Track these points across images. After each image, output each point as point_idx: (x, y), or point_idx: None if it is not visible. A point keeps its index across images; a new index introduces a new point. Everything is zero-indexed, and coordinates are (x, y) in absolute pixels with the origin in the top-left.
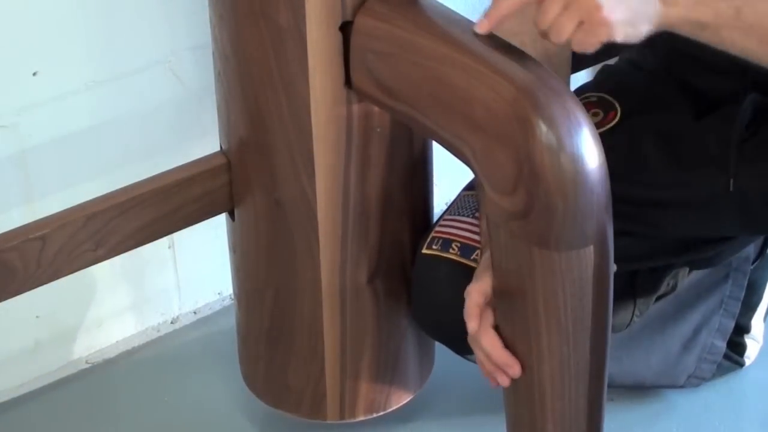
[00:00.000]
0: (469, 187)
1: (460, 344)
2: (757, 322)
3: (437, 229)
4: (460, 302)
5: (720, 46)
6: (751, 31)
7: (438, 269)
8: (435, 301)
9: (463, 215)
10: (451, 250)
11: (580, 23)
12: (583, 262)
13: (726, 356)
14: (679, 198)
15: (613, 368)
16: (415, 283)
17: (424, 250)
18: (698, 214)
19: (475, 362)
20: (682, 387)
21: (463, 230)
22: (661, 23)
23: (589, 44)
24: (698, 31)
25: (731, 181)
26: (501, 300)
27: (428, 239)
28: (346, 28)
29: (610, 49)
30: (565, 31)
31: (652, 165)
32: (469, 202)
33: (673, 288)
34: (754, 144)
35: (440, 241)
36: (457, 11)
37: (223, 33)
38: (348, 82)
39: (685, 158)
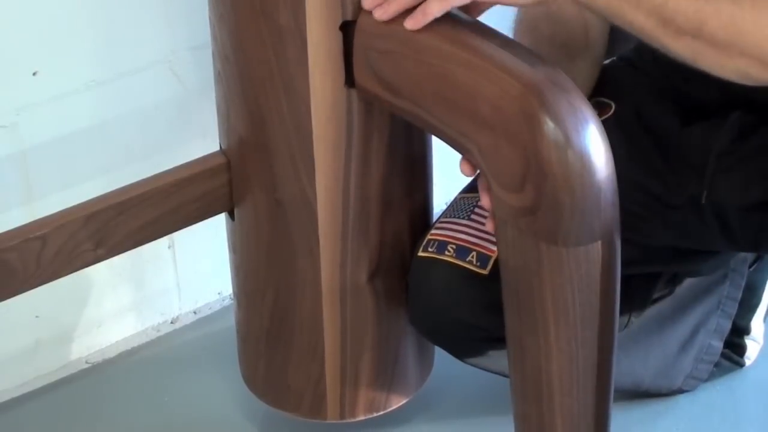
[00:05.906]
0: (466, 189)
1: (459, 347)
2: (756, 323)
3: (433, 231)
4: (457, 304)
5: (613, 19)
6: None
7: (434, 272)
8: (431, 303)
9: (459, 217)
10: (446, 253)
11: None
12: (590, 258)
13: (726, 357)
14: (660, 202)
15: None
16: (411, 287)
17: (420, 253)
18: (678, 223)
19: (474, 366)
20: (679, 389)
21: (459, 232)
22: None
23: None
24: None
25: (704, 192)
26: (509, 296)
27: (424, 242)
28: (346, 28)
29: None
30: None
31: (637, 165)
32: (464, 204)
33: (671, 291)
34: (734, 158)
35: (436, 243)
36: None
37: (223, 33)
38: (351, 80)
39: (667, 164)
